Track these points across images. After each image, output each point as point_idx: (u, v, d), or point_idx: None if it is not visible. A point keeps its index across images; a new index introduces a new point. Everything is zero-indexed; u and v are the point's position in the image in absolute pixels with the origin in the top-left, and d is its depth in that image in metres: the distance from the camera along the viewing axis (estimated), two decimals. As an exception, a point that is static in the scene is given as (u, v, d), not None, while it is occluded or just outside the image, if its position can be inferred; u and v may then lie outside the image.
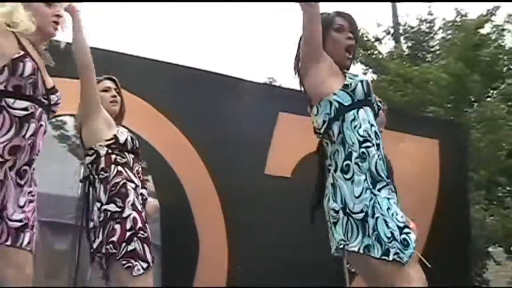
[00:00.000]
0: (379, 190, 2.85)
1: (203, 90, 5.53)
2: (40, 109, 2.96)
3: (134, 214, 3.69)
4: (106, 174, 3.74)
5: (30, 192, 2.98)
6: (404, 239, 2.76)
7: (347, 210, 2.81)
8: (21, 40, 2.97)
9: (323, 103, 2.97)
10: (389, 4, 17.27)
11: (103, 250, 3.59)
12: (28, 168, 2.93)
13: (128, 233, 3.62)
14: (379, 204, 2.80)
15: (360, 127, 2.93)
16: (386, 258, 2.73)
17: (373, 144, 2.93)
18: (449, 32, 17.12)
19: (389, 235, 2.74)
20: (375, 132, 2.99)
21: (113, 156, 3.79)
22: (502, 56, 18.01)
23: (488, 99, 17.30)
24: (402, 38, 19.32)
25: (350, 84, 2.97)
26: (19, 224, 2.86)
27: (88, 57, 3.69)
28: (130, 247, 3.61)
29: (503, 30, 18.98)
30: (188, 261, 5.11)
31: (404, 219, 2.84)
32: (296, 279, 5.35)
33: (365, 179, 2.83)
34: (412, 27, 19.85)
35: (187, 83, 5.44)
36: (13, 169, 2.86)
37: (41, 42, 3.12)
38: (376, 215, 2.78)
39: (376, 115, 3.12)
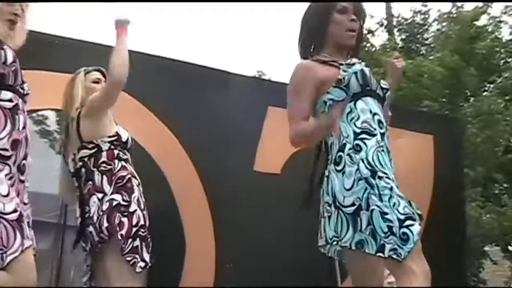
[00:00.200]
0: (379, 178, 2.80)
1: (189, 83, 5.52)
2: (20, 100, 2.90)
3: (139, 210, 3.74)
4: (109, 167, 3.79)
5: (27, 187, 2.97)
6: (404, 233, 2.68)
7: (337, 204, 2.80)
8: None
9: (318, 104, 3.04)
10: (382, -6, 17.30)
11: (106, 238, 3.61)
12: (25, 163, 2.90)
13: (134, 229, 3.69)
14: (377, 194, 2.75)
15: (358, 119, 2.94)
16: (381, 254, 2.68)
17: (374, 135, 2.93)
18: (444, 24, 17.16)
19: (386, 229, 2.68)
20: (379, 121, 2.99)
21: (116, 152, 3.85)
22: (499, 48, 18.06)
23: (485, 93, 17.36)
24: (395, 30, 19.35)
25: (344, 78, 2.98)
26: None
27: (125, 74, 3.77)
28: (135, 243, 3.68)
29: (500, 22, 19.04)
30: (174, 261, 5.11)
31: (408, 210, 2.76)
32: (287, 278, 5.36)
33: (357, 170, 2.81)
34: (406, 19, 19.88)
35: (173, 76, 5.43)
36: (15, 165, 2.82)
37: None
38: (372, 207, 2.73)
39: (383, 100, 3.12)
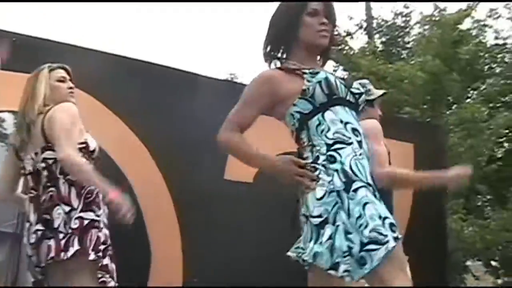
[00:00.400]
0: (355, 190, 2.80)
1: (157, 86, 5.52)
2: None
3: (105, 229, 3.73)
4: None
5: None
6: (362, 257, 2.68)
7: (307, 213, 2.81)
8: None
9: (287, 117, 3.03)
10: (362, -5, 17.43)
11: (72, 258, 3.53)
12: None
13: (102, 246, 3.65)
14: (347, 210, 2.75)
15: (328, 130, 2.93)
16: (333, 272, 2.69)
17: (350, 143, 2.92)
18: (426, 27, 17.30)
19: (346, 248, 2.69)
20: (353, 129, 2.98)
21: (84, 160, 3.75)
22: (483, 54, 18.25)
23: (468, 100, 17.54)
24: (375, 33, 19.47)
25: (308, 89, 2.97)
26: None
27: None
28: (104, 261, 3.66)
29: (484, 26, 19.25)
30: (139, 273, 5.10)
31: (376, 234, 2.71)
32: (258, 292, 5.37)
33: (331, 181, 2.81)
34: (387, 21, 20.03)
35: (140, 78, 5.42)
36: None
37: None
38: (338, 223, 2.73)
39: (356, 106, 3.10)
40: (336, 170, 2.83)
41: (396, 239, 2.76)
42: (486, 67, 19.26)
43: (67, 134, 3.69)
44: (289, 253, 2.95)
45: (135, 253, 5.03)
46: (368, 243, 2.69)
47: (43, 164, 3.75)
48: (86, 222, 3.63)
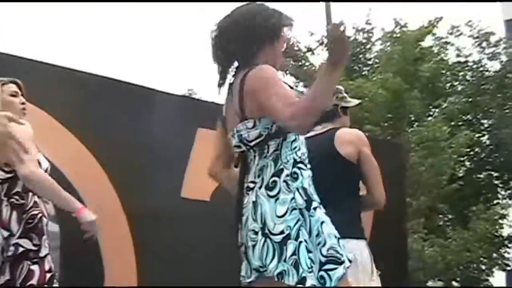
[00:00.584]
0: (314, 209, 2.89)
1: (113, 101, 5.49)
2: None
3: (49, 254, 3.65)
4: (22, 201, 3.64)
5: None
6: (322, 276, 2.78)
7: (266, 231, 2.82)
8: None
9: (264, 119, 2.98)
10: (323, 11, 17.54)
11: None
12: None
13: (48, 275, 3.59)
14: (308, 228, 2.83)
15: (299, 149, 3.01)
16: (301, 286, 2.74)
17: (309, 168, 3.02)
18: (387, 44, 17.50)
19: (310, 264, 2.76)
20: (308, 161, 3.07)
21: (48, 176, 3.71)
22: (444, 71, 18.53)
23: (429, 118, 17.77)
24: (336, 48, 19.60)
25: None
26: None
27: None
28: None
29: (446, 43, 19.54)
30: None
31: (333, 252, 2.84)
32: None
33: (293, 198, 2.86)
34: (348, 37, 20.18)
35: (96, 93, 5.40)
36: None
37: None
38: (300, 239, 2.79)
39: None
40: (297, 188, 2.89)
41: (350, 260, 2.92)
42: (448, 85, 19.56)
43: (28, 152, 3.59)
44: (242, 274, 2.98)
45: (88, 273, 5.00)
46: (326, 263, 2.80)
47: None
48: (20, 250, 3.55)
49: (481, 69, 20.45)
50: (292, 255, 2.76)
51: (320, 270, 2.78)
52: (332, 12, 17.86)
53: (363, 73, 19.30)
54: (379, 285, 4.28)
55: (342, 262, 2.84)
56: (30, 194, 3.69)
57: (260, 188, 2.93)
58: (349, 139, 4.22)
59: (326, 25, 18.19)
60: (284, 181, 2.90)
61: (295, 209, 2.84)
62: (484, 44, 20.45)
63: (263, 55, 3.09)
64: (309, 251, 2.78)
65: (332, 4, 17.25)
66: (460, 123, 18.80)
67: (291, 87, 3.15)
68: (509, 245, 20.36)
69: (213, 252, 5.46)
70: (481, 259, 17.07)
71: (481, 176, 20.91)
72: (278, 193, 2.88)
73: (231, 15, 3.17)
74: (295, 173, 2.93)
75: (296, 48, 17.36)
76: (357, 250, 4.02)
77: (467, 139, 15.81)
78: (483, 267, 17.99)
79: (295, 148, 3.00)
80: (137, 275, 5.28)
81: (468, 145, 16.76)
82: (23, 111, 3.90)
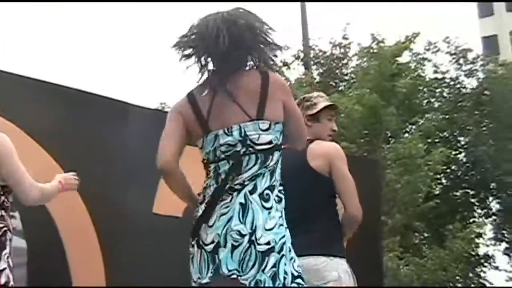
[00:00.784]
0: (288, 228, 3.03)
1: (84, 114, 5.47)
2: None
3: (8, 270, 3.64)
4: None
5: None
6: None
7: (253, 238, 2.90)
8: None
9: (278, 125, 3.10)
10: (299, 25, 17.62)
11: None
12: None
13: None
14: (288, 244, 2.96)
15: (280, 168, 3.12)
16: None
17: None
18: (364, 59, 17.60)
19: (282, 279, 2.88)
20: (282, 175, 3.17)
21: (2, 198, 3.70)
22: (421, 87, 18.67)
23: (406, 135, 17.88)
24: (312, 63, 19.68)
25: None
26: None
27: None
28: None
29: (423, 59, 19.71)
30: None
31: (300, 269, 3.01)
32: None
33: (281, 217, 2.98)
34: (324, 52, 20.30)
35: (66, 106, 5.38)
36: None
37: None
38: (282, 253, 2.91)
39: None
40: (283, 209, 3.05)
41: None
42: (425, 101, 19.71)
43: (23, 170, 3.80)
44: (207, 275, 3.02)
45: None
46: (297, 277, 2.97)
47: None
48: None
49: (458, 86, 20.68)
50: (272, 267, 2.86)
51: (292, 282, 2.91)
52: (308, 27, 17.95)
53: (339, 88, 19.40)
54: None
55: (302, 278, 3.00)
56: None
57: (251, 193, 2.98)
58: (321, 152, 4.16)
59: (302, 39, 18.28)
60: (274, 199, 3.00)
61: (281, 225, 2.97)
62: (461, 60, 20.69)
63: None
64: (285, 264, 2.90)
65: (308, 18, 17.34)
66: (436, 140, 18.95)
67: None
68: (485, 264, 20.52)
69: (185, 269, 5.45)
70: (457, 278, 17.16)
71: (458, 194, 21.08)
72: (271, 208, 2.97)
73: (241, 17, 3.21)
74: (281, 192, 3.06)
75: (271, 63, 17.37)
76: (340, 268, 4.02)
77: (444, 156, 15.93)
78: (459, 285, 18.08)
79: (280, 166, 3.11)
80: (106, 293, 5.25)
81: (444, 163, 16.89)
82: None
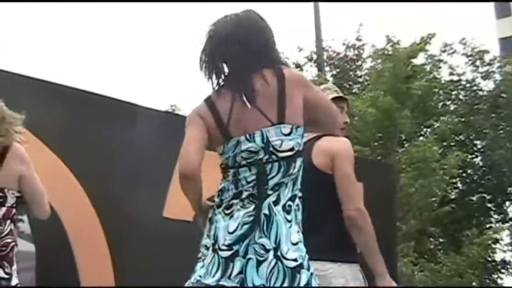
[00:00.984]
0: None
1: (93, 116, 5.49)
2: None
3: (18, 284, 3.66)
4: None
5: None
6: None
7: (279, 253, 2.83)
8: None
9: (300, 129, 3.01)
10: (312, 26, 17.61)
11: None
12: None
13: None
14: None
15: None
16: None
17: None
18: (378, 61, 17.54)
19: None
20: None
21: (13, 211, 3.73)
22: (437, 90, 18.59)
23: (421, 138, 17.81)
24: (326, 65, 19.63)
25: None
26: None
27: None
28: None
29: (439, 61, 19.63)
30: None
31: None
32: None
33: (299, 231, 2.93)
34: (338, 53, 20.27)
35: (75, 108, 5.39)
36: None
37: None
38: (311, 270, 2.87)
39: None
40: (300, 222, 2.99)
41: None
42: (440, 104, 19.63)
43: (41, 190, 3.87)
44: (226, 284, 2.92)
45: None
46: None
47: None
48: None
49: (475, 88, 20.60)
50: (306, 284, 2.80)
51: None
52: (322, 28, 17.92)
53: (353, 90, 19.36)
54: None
55: None
56: (8, 221, 3.70)
57: (275, 204, 2.92)
58: (324, 148, 3.98)
59: (315, 40, 18.25)
60: (294, 209, 2.95)
61: (302, 242, 2.92)
62: (478, 62, 20.61)
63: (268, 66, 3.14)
64: (314, 280, 2.87)
65: (322, 19, 17.31)
66: (452, 144, 18.87)
67: None
68: (502, 270, 20.43)
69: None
70: (474, 284, 17.09)
71: (474, 198, 21.00)
72: (292, 220, 2.92)
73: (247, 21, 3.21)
74: (298, 204, 2.99)
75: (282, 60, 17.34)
76: (349, 275, 3.91)
77: (459, 160, 15.87)
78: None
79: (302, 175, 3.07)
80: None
81: (460, 167, 16.82)
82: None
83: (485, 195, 21.17)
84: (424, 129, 18.96)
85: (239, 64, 3.14)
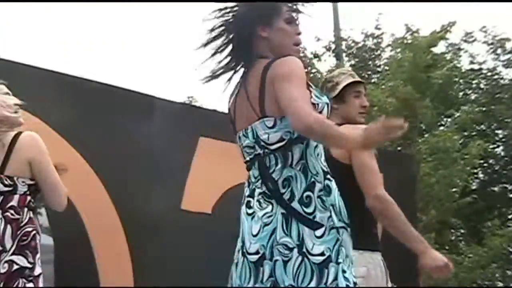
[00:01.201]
0: (346, 229, 2.91)
1: (110, 108, 5.50)
2: None
3: (42, 274, 3.68)
4: (17, 216, 3.64)
5: None
6: None
7: (304, 250, 2.78)
8: None
9: (285, 120, 2.88)
10: (330, 16, 17.55)
11: None
12: None
13: None
14: (344, 249, 2.83)
15: (321, 156, 2.98)
16: None
17: (332, 179, 2.98)
18: (398, 50, 17.46)
19: (348, 284, 2.77)
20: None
21: (28, 198, 3.72)
22: (457, 79, 18.50)
23: (441, 128, 17.75)
24: (344, 55, 19.57)
25: (318, 104, 2.95)
26: None
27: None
28: None
29: (459, 49, 19.53)
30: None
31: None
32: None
33: (330, 217, 2.84)
34: (357, 43, 20.22)
35: (92, 100, 5.41)
36: None
37: None
38: (339, 261, 2.79)
39: None
40: (333, 205, 2.88)
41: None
42: (461, 93, 19.54)
43: (59, 181, 3.84)
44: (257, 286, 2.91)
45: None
46: (355, 284, 2.83)
47: None
48: (15, 267, 3.56)
49: (496, 77, 20.48)
50: (334, 280, 2.75)
51: None
52: (340, 17, 17.86)
53: (372, 80, 19.29)
54: None
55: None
56: (26, 209, 3.69)
57: (290, 201, 2.86)
58: None
59: (333, 30, 18.19)
60: (319, 197, 2.86)
61: (332, 228, 2.83)
62: (499, 50, 20.48)
63: (264, 50, 3.09)
64: (344, 271, 2.79)
65: (340, 8, 17.25)
66: (473, 133, 18.80)
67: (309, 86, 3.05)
68: (526, 262, 20.33)
69: (214, 266, 5.45)
70: (496, 276, 17.03)
71: (495, 189, 20.90)
72: (314, 211, 2.84)
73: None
74: (327, 186, 2.91)
75: (301, 54, 17.30)
76: (371, 263, 3.89)
77: (481, 149, 15.78)
78: (499, 285, 17.94)
79: (318, 154, 2.96)
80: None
81: (481, 156, 16.75)
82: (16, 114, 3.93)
83: (507, 186, 21.07)
84: (445, 119, 18.90)
85: (235, 57, 3.17)
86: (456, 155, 14.92)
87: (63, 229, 4.76)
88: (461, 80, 19.28)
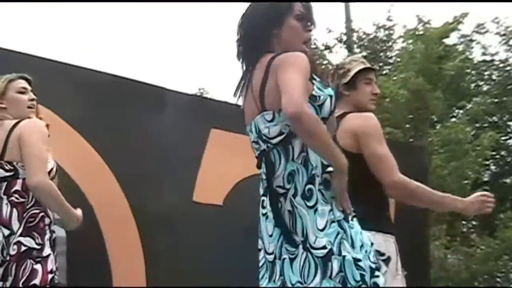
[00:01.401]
0: (352, 219, 2.87)
1: (122, 100, 5.52)
2: None
3: (52, 255, 3.70)
4: (22, 200, 3.70)
5: None
6: (375, 282, 2.75)
7: (307, 245, 2.76)
8: None
9: (283, 114, 2.81)
10: (342, 7, 17.50)
11: None
12: None
13: (49, 276, 3.63)
14: (350, 239, 2.79)
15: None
16: None
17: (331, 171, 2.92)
18: (410, 41, 17.41)
19: (358, 278, 2.72)
20: None
21: (53, 185, 3.75)
22: (469, 70, 18.41)
23: (453, 119, 17.69)
24: (356, 46, 19.53)
25: (319, 97, 2.92)
26: None
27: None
28: None
29: (471, 41, 19.44)
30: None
31: (376, 259, 2.84)
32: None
33: (331, 210, 2.81)
34: (368, 34, 20.14)
35: (103, 92, 5.42)
36: None
37: None
38: (344, 253, 2.75)
39: None
40: (333, 198, 2.85)
41: (387, 260, 3.03)
42: (473, 84, 19.44)
43: (41, 158, 3.74)
44: None
45: (95, 279, 5.03)
46: (376, 269, 2.80)
47: None
48: (23, 248, 3.61)
49: (508, 68, 20.34)
50: (339, 272, 2.72)
51: (372, 277, 2.76)
52: (351, 8, 17.81)
53: (384, 72, 19.23)
54: (403, 285, 4.11)
55: (380, 268, 2.85)
56: (31, 193, 3.74)
57: (294, 196, 2.84)
58: (347, 128, 3.90)
59: (345, 21, 18.15)
60: (319, 190, 2.83)
61: (333, 221, 2.80)
62: (511, 42, 20.36)
63: (275, 47, 3.06)
64: (358, 260, 2.75)
65: (351, -1, 17.20)
66: (485, 125, 18.71)
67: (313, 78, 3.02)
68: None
69: (226, 258, 5.47)
70: (509, 268, 16.98)
71: (508, 181, 20.81)
72: (316, 203, 2.81)
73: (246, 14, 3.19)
74: (326, 180, 2.87)
75: (313, 46, 17.26)
76: (382, 245, 3.86)
77: (493, 141, 15.72)
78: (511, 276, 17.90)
79: None
80: (146, 282, 5.30)
81: (493, 148, 16.68)
82: (30, 109, 3.96)
83: (520, 177, 21.00)
84: (457, 110, 18.82)
85: (246, 54, 3.16)
86: (468, 147, 14.87)
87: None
88: (473, 72, 19.18)
